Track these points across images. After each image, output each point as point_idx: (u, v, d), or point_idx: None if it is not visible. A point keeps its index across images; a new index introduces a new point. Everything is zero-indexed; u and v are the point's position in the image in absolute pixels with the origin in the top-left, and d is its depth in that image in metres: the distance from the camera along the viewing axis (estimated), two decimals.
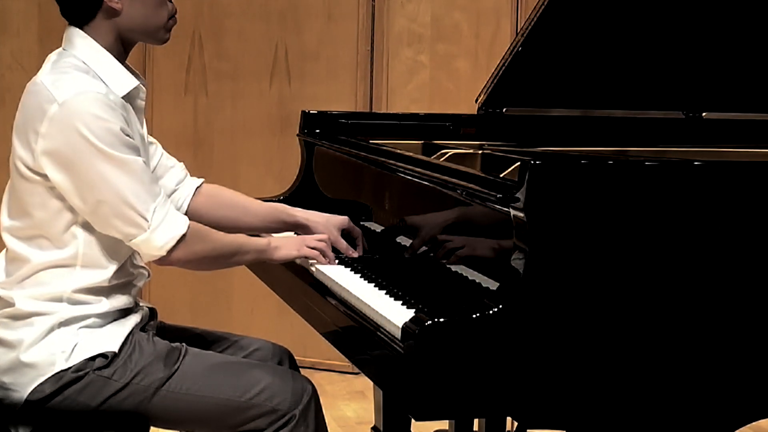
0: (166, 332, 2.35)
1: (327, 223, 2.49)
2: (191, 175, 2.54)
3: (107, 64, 2.19)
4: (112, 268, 2.18)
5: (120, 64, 2.21)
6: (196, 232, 2.18)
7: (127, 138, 2.12)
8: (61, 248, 2.16)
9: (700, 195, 1.89)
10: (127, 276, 2.24)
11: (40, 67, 2.22)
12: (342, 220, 2.50)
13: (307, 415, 2.20)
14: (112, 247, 2.18)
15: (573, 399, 1.82)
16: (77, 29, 2.21)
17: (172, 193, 2.47)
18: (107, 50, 2.20)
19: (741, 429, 1.95)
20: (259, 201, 2.62)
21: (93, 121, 2.07)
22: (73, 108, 2.07)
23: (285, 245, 2.34)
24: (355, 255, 2.43)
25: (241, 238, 2.33)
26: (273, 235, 2.61)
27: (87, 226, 2.15)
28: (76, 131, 2.07)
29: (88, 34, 2.20)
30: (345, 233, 2.50)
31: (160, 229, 2.12)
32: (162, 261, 2.17)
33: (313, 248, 2.36)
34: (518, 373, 1.78)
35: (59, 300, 2.15)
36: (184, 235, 2.15)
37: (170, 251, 2.14)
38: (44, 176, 2.12)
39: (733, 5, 2.85)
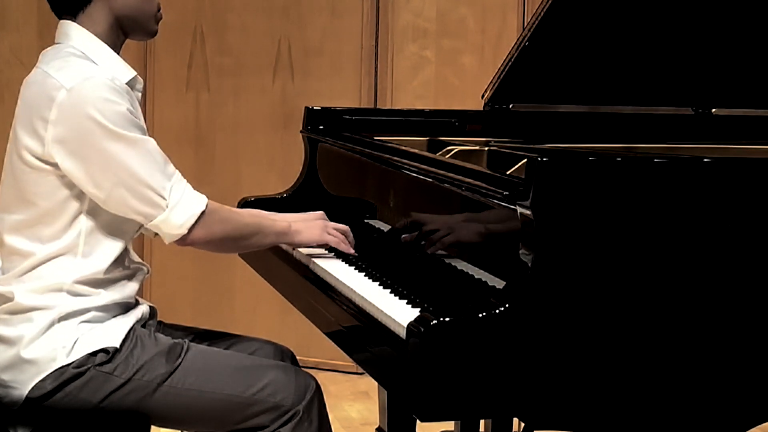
0: (167, 331, 2.34)
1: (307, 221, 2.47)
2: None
3: (104, 53, 2.19)
4: (112, 258, 2.18)
5: (116, 54, 2.22)
6: (215, 211, 2.18)
7: (136, 119, 2.13)
8: (62, 238, 2.15)
9: (710, 192, 1.88)
10: (125, 269, 2.24)
11: None
12: (319, 214, 2.47)
13: (311, 411, 2.19)
14: (112, 236, 2.17)
15: (581, 399, 1.81)
16: (70, 22, 2.20)
17: None
18: (102, 40, 2.20)
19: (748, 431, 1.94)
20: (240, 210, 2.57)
21: (103, 104, 2.07)
22: (83, 93, 2.08)
23: (306, 229, 2.35)
24: (352, 252, 2.40)
25: (261, 219, 2.33)
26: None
27: (90, 214, 2.15)
28: (87, 116, 2.07)
29: (82, 25, 2.20)
30: None
31: (179, 208, 2.12)
32: (183, 241, 2.16)
33: (333, 236, 2.37)
34: (525, 373, 1.77)
35: (59, 291, 2.14)
36: (203, 213, 2.14)
37: (190, 230, 2.14)
38: (54, 165, 2.11)
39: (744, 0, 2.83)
